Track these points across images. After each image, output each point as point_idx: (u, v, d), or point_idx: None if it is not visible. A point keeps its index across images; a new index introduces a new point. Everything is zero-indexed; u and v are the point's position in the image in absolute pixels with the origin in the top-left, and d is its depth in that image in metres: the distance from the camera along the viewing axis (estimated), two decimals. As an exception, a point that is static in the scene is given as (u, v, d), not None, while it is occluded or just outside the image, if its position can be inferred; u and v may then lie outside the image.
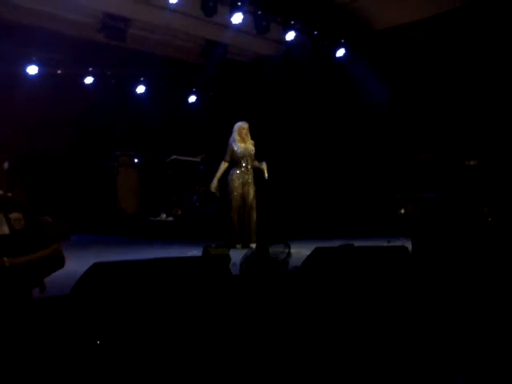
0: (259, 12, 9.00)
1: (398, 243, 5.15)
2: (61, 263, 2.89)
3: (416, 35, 9.06)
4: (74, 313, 2.37)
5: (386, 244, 4.88)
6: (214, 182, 7.15)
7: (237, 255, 4.07)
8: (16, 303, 2.54)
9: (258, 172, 7.18)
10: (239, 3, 8.71)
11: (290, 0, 9.16)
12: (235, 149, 7.02)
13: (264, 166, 7.13)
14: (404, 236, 5.90)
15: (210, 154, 10.60)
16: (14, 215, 2.81)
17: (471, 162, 7.82)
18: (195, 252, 5.37)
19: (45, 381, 2.12)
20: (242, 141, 7.07)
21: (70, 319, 2.33)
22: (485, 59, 8.27)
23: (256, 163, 7.13)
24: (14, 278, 2.60)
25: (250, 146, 7.10)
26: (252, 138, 7.17)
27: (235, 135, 7.09)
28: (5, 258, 2.60)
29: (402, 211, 8.35)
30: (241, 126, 7.13)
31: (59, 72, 10.02)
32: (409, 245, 4.69)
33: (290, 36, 9.46)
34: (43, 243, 2.83)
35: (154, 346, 2.36)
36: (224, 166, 7.11)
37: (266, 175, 7.12)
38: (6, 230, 2.74)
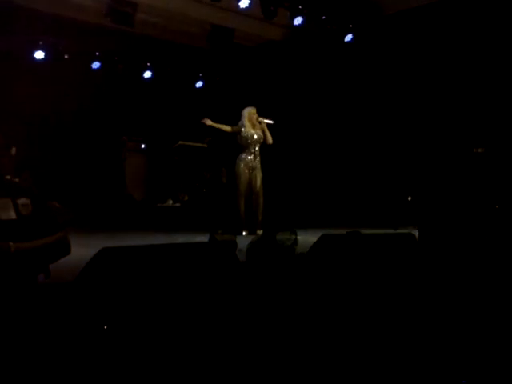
0: (267, -4, 8.92)
1: (405, 231, 5.15)
2: (67, 250, 2.90)
3: (426, 19, 8.94)
4: (81, 297, 2.38)
5: (392, 231, 4.88)
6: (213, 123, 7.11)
7: (243, 241, 4.08)
8: (21, 288, 2.55)
9: (265, 158, 7.17)
10: (247, -12, 8.64)
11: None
12: (244, 134, 7.00)
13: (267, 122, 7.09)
14: (412, 224, 5.89)
15: (215, 137, 10.58)
16: (21, 201, 2.83)
17: (479, 150, 7.77)
18: (202, 238, 5.38)
19: (50, 366, 2.14)
20: (251, 126, 7.05)
21: (77, 304, 2.34)
22: (497, 44, 8.17)
23: (261, 119, 7.08)
24: (19, 263, 2.62)
25: (258, 131, 7.08)
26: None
27: (245, 121, 7.05)
28: (10, 243, 2.61)
29: (409, 198, 8.29)
30: (250, 112, 7.10)
31: (66, 57, 10.00)
32: (416, 233, 4.68)
33: (298, 21, 9.37)
34: (50, 229, 2.84)
35: (161, 332, 2.37)
36: (227, 128, 7.06)
37: (270, 122, 7.08)
38: (12, 215, 2.76)
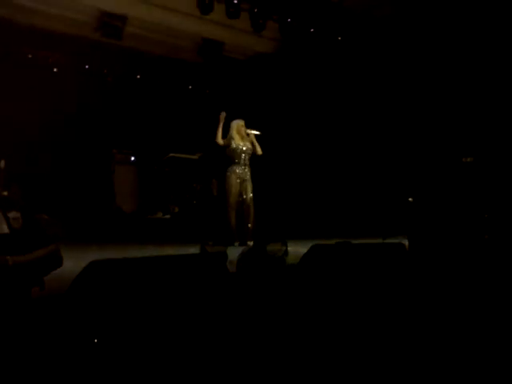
0: (255, 10, 9.00)
1: (395, 241, 5.17)
2: (59, 262, 2.90)
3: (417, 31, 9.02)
4: (71, 311, 2.37)
5: (382, 241, 4.89)
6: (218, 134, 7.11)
7: (234, 253, 4.07)
8: (17, 301, 2.54)
9: (255, 169, 7.18)
10: (235, 1, 8.71)
11: (286, -3, 9.17)
12: (234, 146, 7.02)
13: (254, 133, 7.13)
14: (401, 234, 5.91)
15: (207, 152, 10.61)
16: (12, 214, 2.83)
17: (468, 159, 7.83)
18: (192, 250, 5.37)
19: (43, 379, 2.12)
20: (240, 138, 7.09)
21: (68, 317, 2.33)
22: (485, 58, 8.26)
23: (249, 131, 7.11)
24: (16, 277, 2.61)
25: (247, 143, 7.11)
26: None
27: (234, 133, 7.08)
28: (8, 257, 2.61)
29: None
30: (239, 124, 7.14)
31: (55, 70, 10.01)
32: (405, 242, 4.70)
33: (287, 34, 9.45)
34: (41, 242, 2.84)
35: (152, 344, 2.36)
36: (220, 139, 7.07)
37: (257, 132, 7.12)
38: (5, 228, 2.76)
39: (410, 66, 9.12)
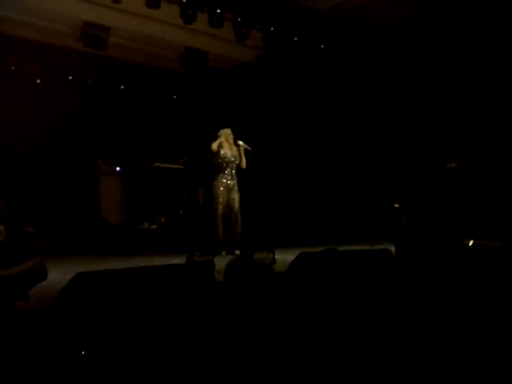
0: (239, 19, 9.04)
1: (381, 247, 5.19)
2: (43, 275, 2.87)
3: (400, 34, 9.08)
4: (57, 323, 2.34)
5: (368, 247, 4.91)
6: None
7: (221, 262, 4.06)
8: (1, 315, 2.51)
9: (241, 178, 7.19)
10: (218, 10, 8.74)
11: (269, 7, 9.21)
12: (221, 155, 7.01)
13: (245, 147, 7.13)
14: (387, 240, 5.94)
15: (191, 158, 10.58)
16: None
17: (452, 165, 7.91)
18: (179, 259, 5.34)
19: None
20: (228, 147, 7.08)
21: (53, 330, 2.30)
22: (471, 66, 8.35)
23: (240, 143, 7.10)
24: (0, 290, 2.59)
25: (235, 152, 7.11)
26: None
27: (223, 141, 7.07)
28: None
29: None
30: (227, 132, 7.14)
31: (38, 81, 9.95)
32: (392, 248, 4.72)
33: (270, 42, 9.50)
34: (26, 255, 2.82)
35: (140, 355, 2.34)
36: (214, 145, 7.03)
37: (249, 148, 7.12)
38: None
39: (393, 74, 9.20)
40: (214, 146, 7.00)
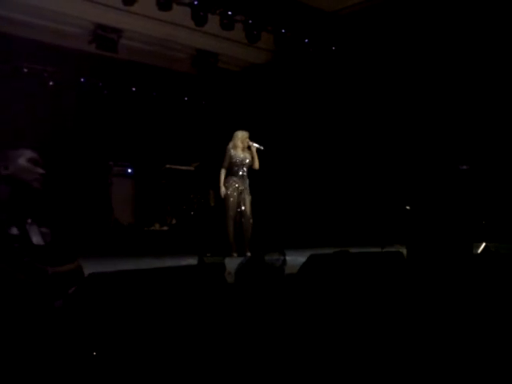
0: (250, 21, 9.05)
1: (392, 249, 5.16)
2: (82, 278, 2.93)
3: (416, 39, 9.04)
4: (69, 323, 2.36)
5: (380, 250, 4.89)
6: (222, 189, 7.05)
7: (232, 264, 4.06)
8: (44, 312, 2.55)
9: (252, 179, 7.19)
10: (230, 12, 8.76)
11: (280, 9, 9.22)
12: (234, 155, 7.01)
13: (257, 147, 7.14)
14: (399, 242, 5.91)
15: (203, 162, 10.61)
16: (43, 229, 2.92)
17: (464, 167, 7.86)
18: (190, 261, 5.35)
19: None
20: (242, 149, 7.09)
21: (65, 330, 2.32)
22: (479, 66, 8.30)
23: (252, 144, 7.12)
24: (52, 287, 2.66)
25: (247, 154, 7.12)
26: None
27: (238, 142, 7.07)
28: (48, 267, 2.67)
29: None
30: (244, 135, 7.14)
31: (51, 83, 10.02)
32: (404, 251, 4.69)
33: (281, 44, 9.50)
34: (69, 256, 2.91)
35: (151, 356, 2.35)
36: (224, 172, 7.07)
37: (261, 147, 7.13)
38: (40, 241, 2.83)
39: (405, 75, 9.16)
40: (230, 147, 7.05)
